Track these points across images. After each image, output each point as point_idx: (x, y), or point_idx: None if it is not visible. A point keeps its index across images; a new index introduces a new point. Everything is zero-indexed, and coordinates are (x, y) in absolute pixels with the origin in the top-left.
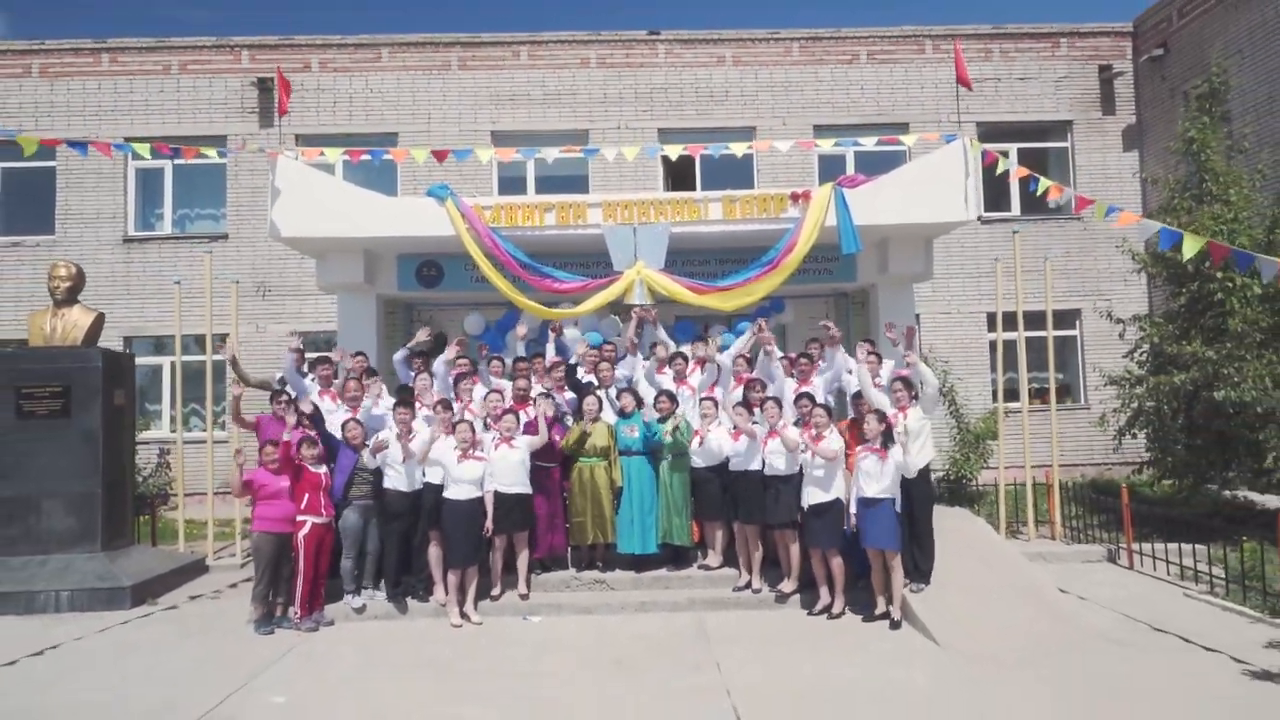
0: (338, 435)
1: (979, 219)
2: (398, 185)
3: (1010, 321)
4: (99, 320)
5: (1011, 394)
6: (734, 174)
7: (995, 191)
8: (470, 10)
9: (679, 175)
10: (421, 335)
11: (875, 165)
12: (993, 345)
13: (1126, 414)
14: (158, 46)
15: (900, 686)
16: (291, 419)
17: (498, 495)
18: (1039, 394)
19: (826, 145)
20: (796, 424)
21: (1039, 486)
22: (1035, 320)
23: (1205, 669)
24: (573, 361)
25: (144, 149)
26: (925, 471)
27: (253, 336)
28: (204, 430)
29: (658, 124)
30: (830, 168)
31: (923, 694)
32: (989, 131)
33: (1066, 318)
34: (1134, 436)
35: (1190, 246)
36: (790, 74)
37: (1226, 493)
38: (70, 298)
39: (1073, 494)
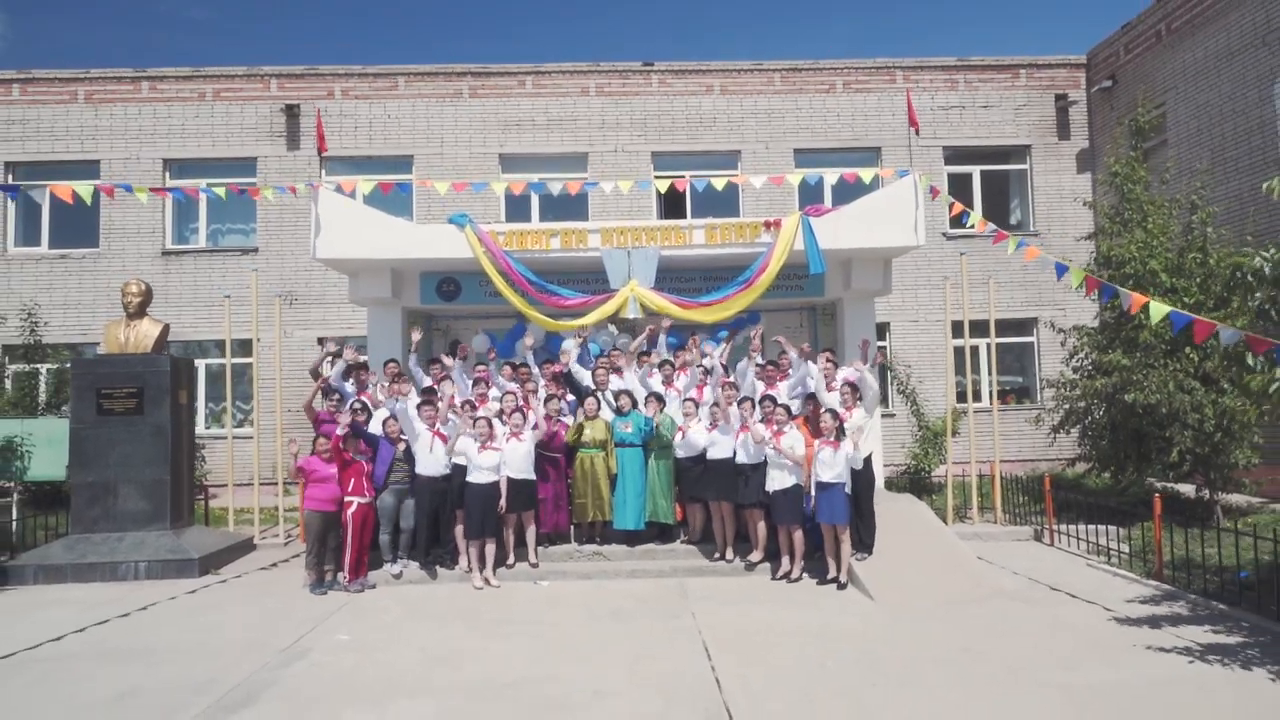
0: (377, 430)
1: (944, 235)
2: (413, 204)
3: (972, 331)
4: (165, 330)
5: (974, 395)
6: (721, 194)
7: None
8: (479, 42)
9: (671, 195)
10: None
11: (849, 189)
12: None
13: (1060, 414)
14: (194, 75)
15: (836, 628)
16: (346, 418)
17: (509, 481)
18: (1004, 395)
19: (797, 179)
20: (762, 421)
21: (984, 479)
22: (997, 328)
23: (1079, 616)
24: (570, 368)
25: (220, 190)
26: (868, 461)
27: (280, 341)
28: (246, 426)
29: (651, 147)
30: (807, 190)
31: (852, 632)
32: (954, 155)
33: (1025, 326)
34: (1067, 433)
35: (1075, 278)
36: (773, 102)
37: (1160, 484)
38: (141, 311)
39: (1021, 485)
